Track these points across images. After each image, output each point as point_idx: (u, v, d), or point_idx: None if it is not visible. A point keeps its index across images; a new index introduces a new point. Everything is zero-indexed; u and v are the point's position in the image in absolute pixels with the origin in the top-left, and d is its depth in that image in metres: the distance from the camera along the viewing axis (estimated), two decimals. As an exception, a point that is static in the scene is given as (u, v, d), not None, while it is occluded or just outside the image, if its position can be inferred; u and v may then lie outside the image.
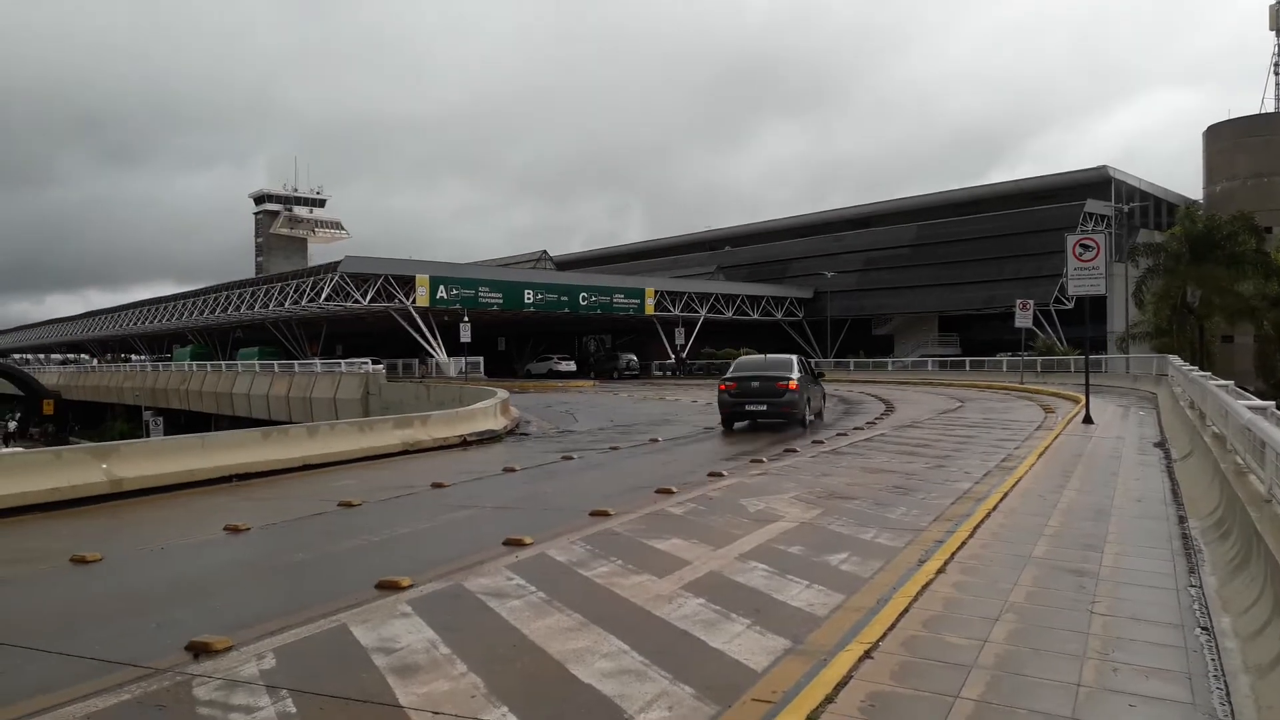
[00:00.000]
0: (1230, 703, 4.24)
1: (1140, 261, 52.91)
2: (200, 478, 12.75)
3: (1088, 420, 19.47)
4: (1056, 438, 16.69)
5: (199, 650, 5.31)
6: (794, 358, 21.37)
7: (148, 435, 53.04)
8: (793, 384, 19.54)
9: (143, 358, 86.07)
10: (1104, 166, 61.88)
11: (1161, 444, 15.59)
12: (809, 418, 20.46)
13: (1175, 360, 26.50)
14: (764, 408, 19.80)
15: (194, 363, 63.12)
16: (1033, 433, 18.31)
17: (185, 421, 54.89)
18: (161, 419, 60.95)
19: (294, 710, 4.44)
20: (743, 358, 24.52)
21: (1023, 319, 38.24)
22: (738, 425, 20.58)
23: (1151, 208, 65.82)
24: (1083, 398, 21.83)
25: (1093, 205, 59.15)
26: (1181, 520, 8.82)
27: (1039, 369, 44.71)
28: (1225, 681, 4.50)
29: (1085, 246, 19.68)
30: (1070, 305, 51.88)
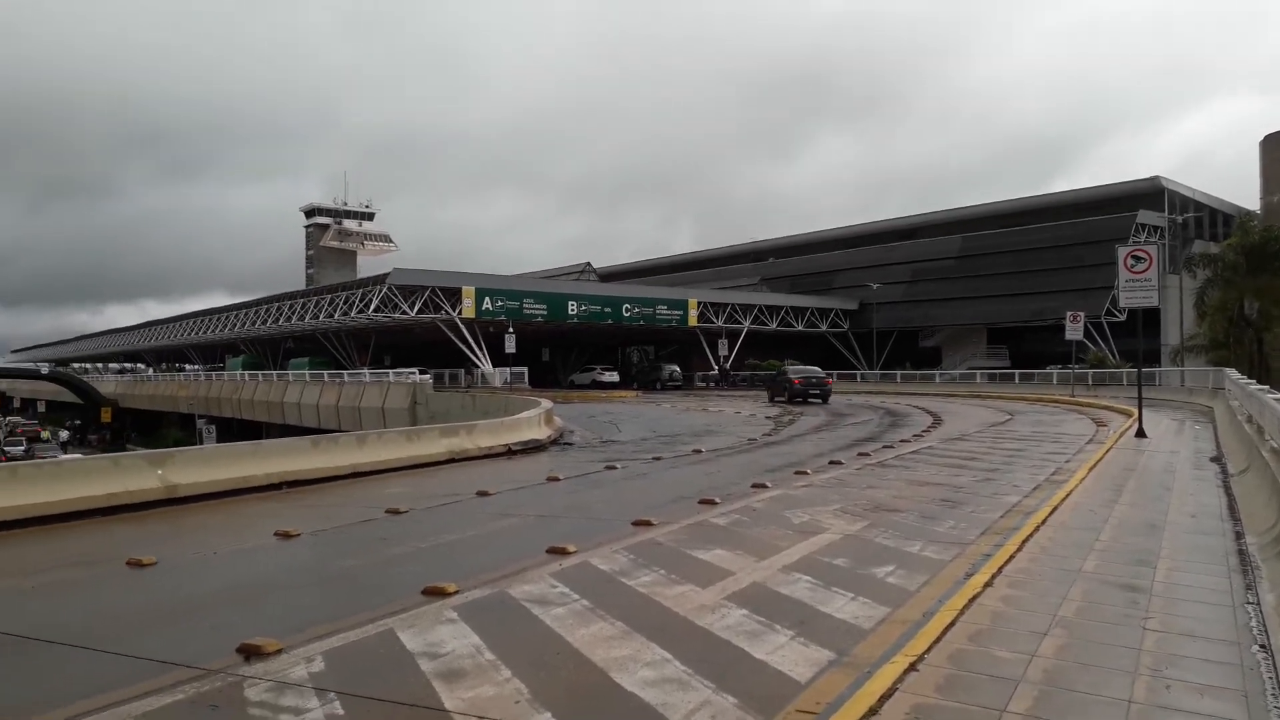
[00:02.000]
0: (1288, 722, 4.14)
1: (1198, 273, 51.81)
2: (252, 484, 12.98)
3: (1141, 434, 19.08)
4: (1108, 452, 16.38)
5: (250, 652, 5.42)
6: (816, 369, 42.85)
7: (201, 443, 54.14)
8: (830, 380, 40.26)
9: (196, 367, 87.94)
10: (1157, 177, 60.72)
11: (1218, 459, 15.23)
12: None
13: (1232, 373, 25.85)
14: (816, 392, 38.50)
15: (246, 372, 64.30)
16: (1083, 446, 17.99)
17: (237, 429, 55.98)
18: (214, 427, 62.18)
19: (341, 712, 4.52)
20: (794, 366, 42.82)
21: (1073, 331, 37.56)
22: (797, 401, 37.58)
23: (1206, 218, 64.40)
24: (1135, 411, 21.41)
25: (1145, 216, 58.06)
26: (1239, 536, 8.61)
27: (1090, 382, 43.92)
28: (1283, 700, 4.39)
29: (1137, 258, 19.33)
30: (1122, 318, 50.90)
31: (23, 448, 61.78)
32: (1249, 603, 6.25)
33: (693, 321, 61.21)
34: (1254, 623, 5.77)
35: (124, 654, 5.62)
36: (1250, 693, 4.56)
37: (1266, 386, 16.90)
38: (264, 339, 70.65)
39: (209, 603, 7.07)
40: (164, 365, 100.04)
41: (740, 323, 63.76)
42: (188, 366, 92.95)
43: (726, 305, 63.67)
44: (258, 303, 68.11)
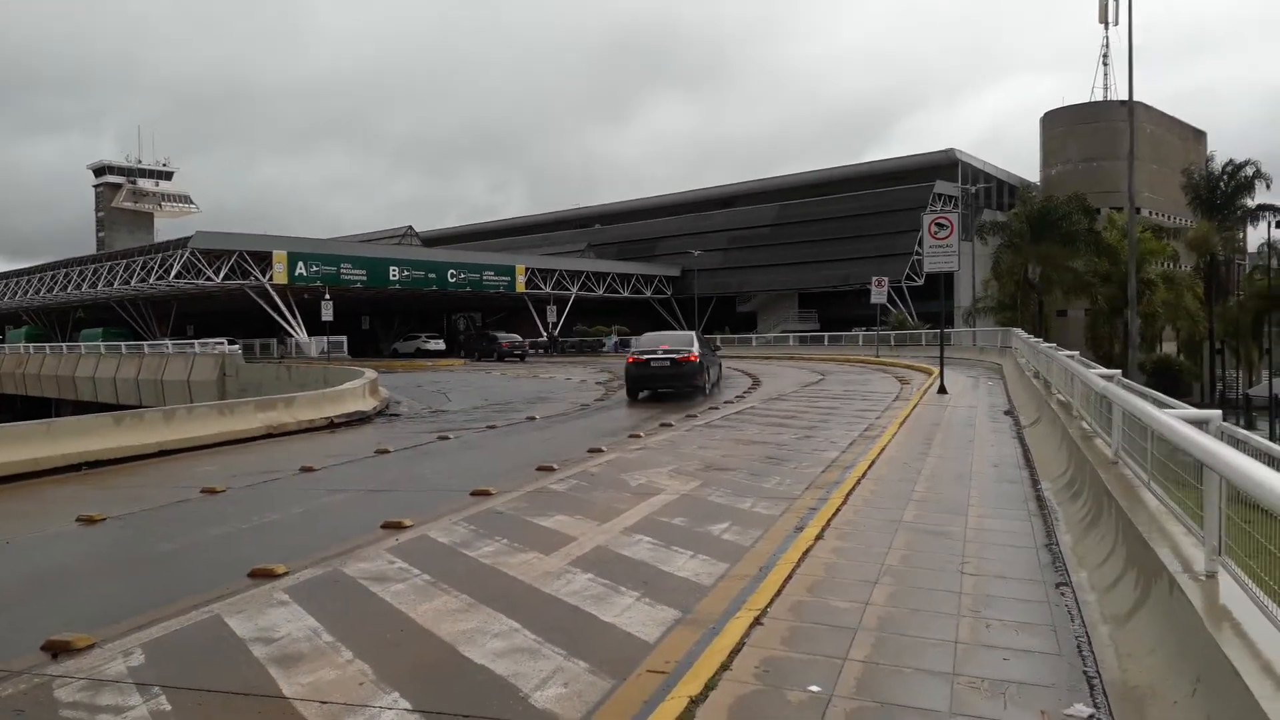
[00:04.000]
0: (1093, 651, 4.54)
1: (990, 240, 55.81)
2: (46, 466, 11.94)
3: (942, 390, 20.43)
4: (915, 408, 17.46)
5: (58, 649, 4.99)
6: (693, 334, 24.64)
7: (-24, 424, 49.24)
8: (692, 356, 21.32)
9: (-32, 340, 79.71)
10: (951, 149, 64.82)
11: (1011, 412, 16.51)
12: (709, 386, 22.56)
13: (1020, 333, 28.03)
14: (669, 377, 21.38)
15: (30, 344, 58.84)
16: (891, 404, 19.09)
17: (22, 407, 51.07)
18: (-7, 406, 56.67)
19: (169, 708, 4.23)
20: (646, 334, 25.65)
21: (878, 295, 39.75)
22: (642, 394, 21.94)
23: (995, 189, 69.35)
24: (935, 370, 22.88)
25: (941, 186, 61.96)
26: (1035, 483, 9.37)
27: (893, 343, 46.56)
28: (1087, 632, 4.81)
29: (940, 225, 20.55)
30: (920, 282, 54.25)
31: None
32: (1049, 544, 6.83)
33: (520, 288, 60.69)
34: (1055, 562, 6.30)
35: (-95, 661, 5.04)
36: (1058, 626, 4.98)
37: (1054, 344, 18.40)
38: (51, 308, 64.89)
39: (6, 597, 6.45)
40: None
41: (568, 289, 63.74)
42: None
43: (554, 272, 63.45)
44: (42, 268, 62.44)
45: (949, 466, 10.56)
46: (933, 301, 28.87)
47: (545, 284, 62.33)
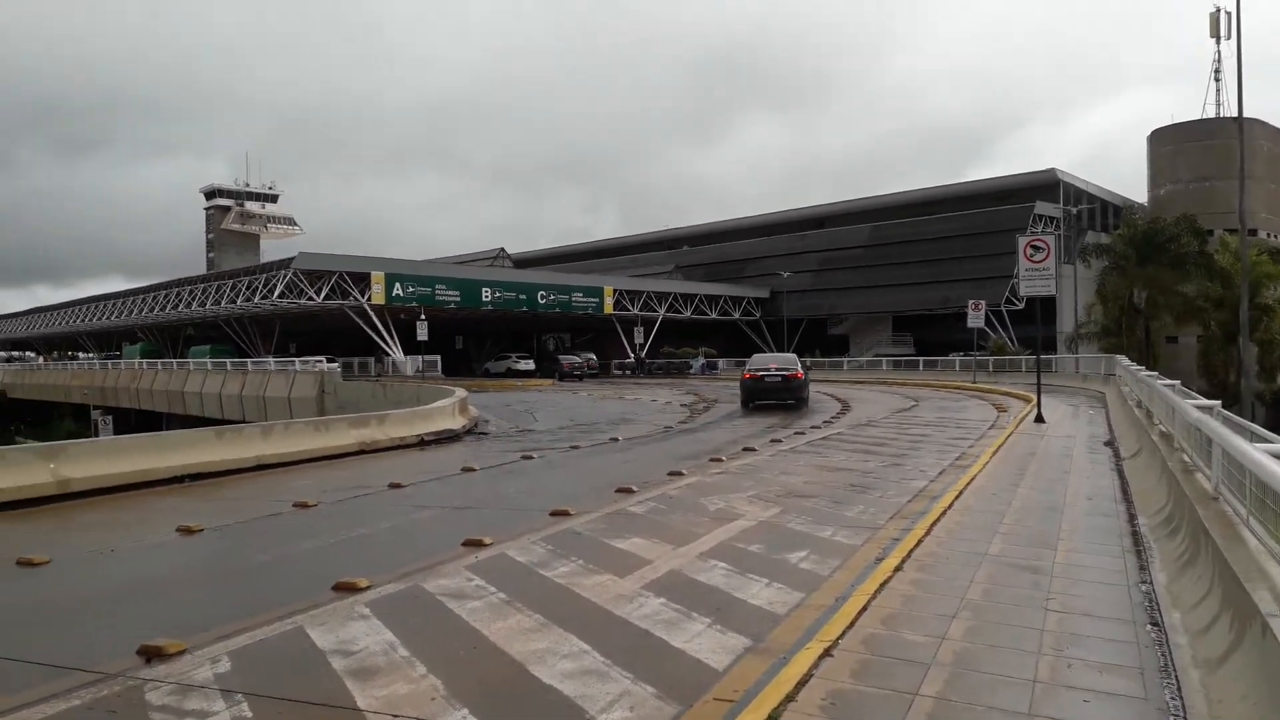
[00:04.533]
0: (1181, 697, 4.33)
1: (1092, 262, 54.00)
2: (152, 478, 12.49)
3: (1039, 419, 19.81)
4: (1009, 436, 16.96)
5: (151, 654, 5.21)
6: (795, 355, 31.28)
7: (96, 435, 51.92)
8: (799, 374, 26.40)
9: (90, 355, 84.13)
10: (1053, 169, 62.99)
11: (1111, 443, 15.91)
12: (807, 399, 27.20)
13: (1123, 360, 27.04)
14: (779, 390, 26.14)
15: (144, 361, 61.84)
16: (985, 432, 18.59)
17: (135, 421, 53.76)
18: (111, 418, 59.63)
19: (250, 714, 4.38)
20: (755, 355, 31.74)
21: (975, 319, 38.82)
22: (755, 404, 26.21)
23: (1099, 210, 67.13)
24: (1034, 397, 22.20)
25: (1042, 207, 60.23)
26: (1131, 518, 9.00)
27: (991, 369, 45.41)
28: (1176, 676, 4.60)
29: (1036, 248, 20.01)
30: (1021, 305, 52.74)
31: None
32: (1143, 582, 6.54)
33: (608, 309, 61.24)
34: (1147, 602, 6.04)
35: (14, 659, 5.35)
36: (1146, 669, 4.77)
37: (1155, 372, 17.70)
38: (163, 326, 68.07)
39: (107, 603, 6.78)
40: (55, 353, 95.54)
41: (656, 310, 64.04)
42: (81, 355, 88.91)
43: (642, 293, 63.85)
44: (156, 288, 65.52)
45: (1041, 498, 10.22)
46: (1034, 326, 28.04)
47: (633, 305, 62.76)
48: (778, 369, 26.56)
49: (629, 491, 10.90)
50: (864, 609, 5.79)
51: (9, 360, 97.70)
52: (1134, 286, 50.09)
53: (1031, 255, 19.95)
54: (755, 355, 31.69)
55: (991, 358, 47.73)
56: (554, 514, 9.47)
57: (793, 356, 29.90)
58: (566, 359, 55.44)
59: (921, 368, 51.71)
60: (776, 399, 26.04)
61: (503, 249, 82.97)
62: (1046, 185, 62.40)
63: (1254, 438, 5.62)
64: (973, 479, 11.51)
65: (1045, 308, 47.31)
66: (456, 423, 20.57)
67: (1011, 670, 4.74)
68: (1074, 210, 62.14)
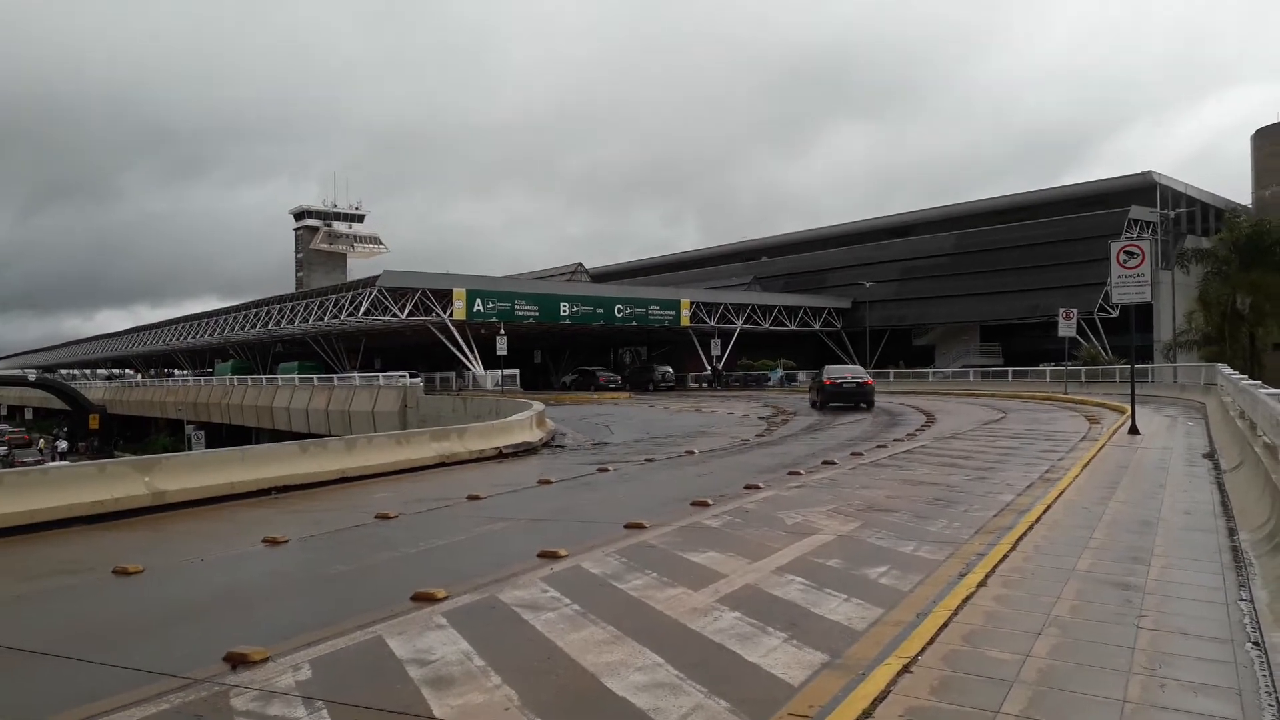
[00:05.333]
0: None
1: (1191, 268, 51.96)
2: (240, 490, 12.90)
3: (1134, 431, 19.09)
4: (1101, 449, 16.38)
5: (237, 661, 5.35)
6: (861, 367, 40.56)
7: (189, 449, 53.89)
8: (870, 381, 33.44)
9: (185, 372, 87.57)
10: (1149, 172, 60.91)
11: (1211, 455, 15.24)
12: (874, 402, 32.94)
13: (1224, 369, 25.90)
14: (854, 394, 32.47)
15: (235, 377, 64.08)
16: (1077, 444, 17.99)
17: (226, 435, 55.76)
18: (203, 432, 61.95)
19: (329, 721, 4.45)
20: (828, 366, 37.41)
21: (1066, 328, 37.58)
22: (832, 405, 32.05)
23: (1198, 213, 64.63)
24: (1128, 408, 21.41)
25: (1137, 212, 58.23)
26: (1231, 533, 8.59)
27: (1083, 379, 44.00)
28: (1277, 698, 4.35)
29: (1130, 253, 19.32)
30: (1115, 314, 51.08)
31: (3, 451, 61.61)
32: (1242, 600, 6.22)
33: (685, 322, 61.21)
34: (1247, 620, 5.74)
35: (109, 664, 5.56)
36: (1244, 690, 4.52)
37: (1258, 381, 16.90)
38: (253, 343, 70.44)
39: (196, 611, 7.00)
40: (152, 371, 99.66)
41: (733, 322, 63.77)
42: (176, 372, 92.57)
43: (719, 305, 63.65)
44: (246, 306, 67.90)
45: (1133, 512, 9.83)
46: (1128, 334, 27.08)
47: (710, 317, 62.59)
48: (854, 377, 33.58)
49: (704, 505, 10.83)
50: (945, 625, 5.63)
51: (109, 377, 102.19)
52: (1237, 292, 48.00)
53: (1125, 261, 19.27)
54: (828, 366, 37.82)
55: (1084, 368, 46.23)
56: (628, 527, 9.46)
57: (860, 368, 38.64)
58: (603, 374, 56.61)
59: (1010, 378, 50.43)
60: (851, 401, 32.28)
61: (580, 264, 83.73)
62: (1142, 188, 60.34)
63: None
64: (1062, 492, 11.14)
65: (1140, 316, 45.67)
66: (534, 436, 20.77)
67: (1100, 689, 4.55)
68: (1172, 214, 59.88)
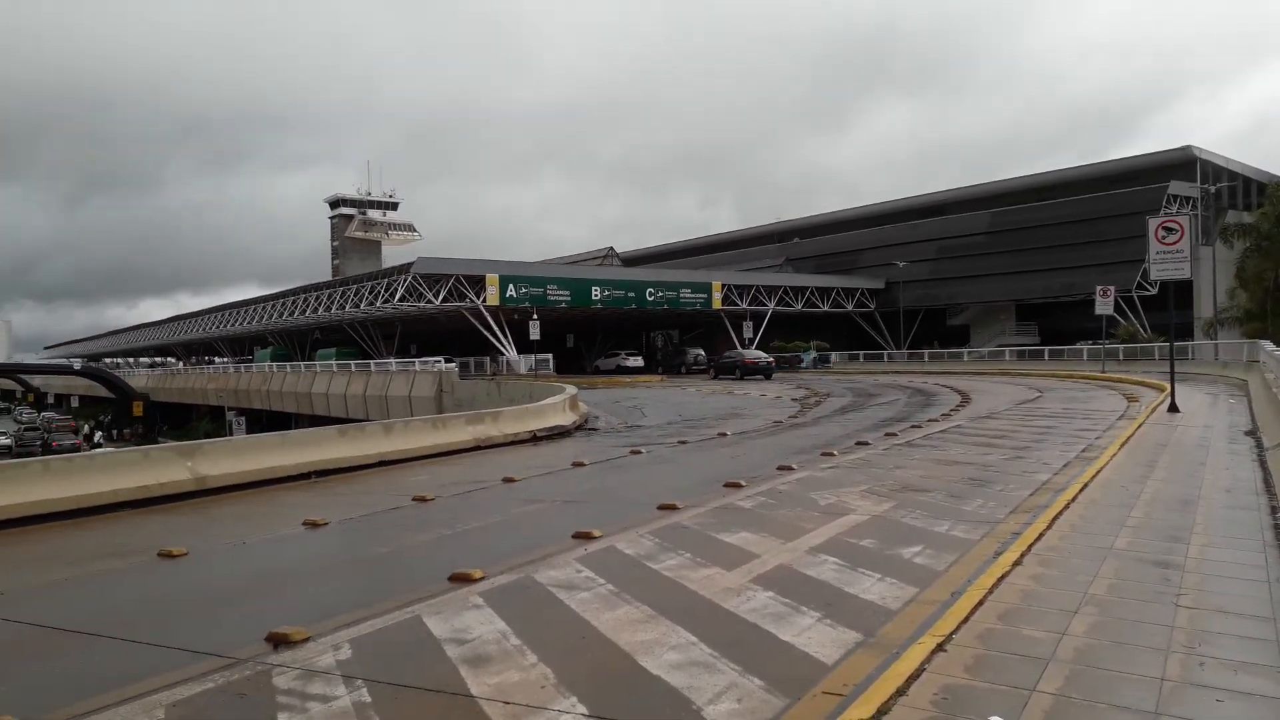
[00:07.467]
0: (1326, 699, 4.05)
1: (1234, 243, 50.91)
2: (280, 474, 13.10)
3: (1173, 409, 18.81)
4: (1140, 427, 16.17)
5: (278, 641, 5.46)
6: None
7: (230, 434, 54.73)
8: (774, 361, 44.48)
9: (225, 359, 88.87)
10: (1188, 146, 59.62)
11: (1253, 432, 14.99)
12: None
13: (1267, 345, 25.43)
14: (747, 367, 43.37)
15: (274, 364, 64.94)
16: (1114, 422, 17.76)
17: (266, 420, 56.55)
18: (244, 418, 62.90)
19: (369, 699, 4.54)
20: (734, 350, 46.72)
21: (1103, 306, 37.06)
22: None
23: (1240, 187, 63.16)
24: (1167, 386, 21.10)
25: (1176, 187, 57.07)
26: (1274, 511, 8.46)
27: (1121, 357, 43.40)
28: (1321, 677, 4.30)
29: (1168, 229, 18.99)
30: (1154, 291, 50.21)
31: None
32: (1285, 578, 6.14)
33: (717, 304, 61.08)
34: (1291, 598, 5.66)
35: (155, 644, 5.69)
36: (1287, 669, 4.48)
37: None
38: (292, 330, 71.27)
39: (238, 592, 7.15)
40: (193, 358, 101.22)
41: (765, 304, 63.52)
42: (217, 359, 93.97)
43: (751, 287, 63.41)
44: (285, 294, 68.69)
45: (1172, 490, 9.71)
46: (1167, 312, 26.68)
47: (742, 300, 62.40)
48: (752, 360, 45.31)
49: (737, 486, 10.85)
50: (980, 604, 5.61)
51: (152, 365, 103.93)
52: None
53: (1163, 237, 18.96)
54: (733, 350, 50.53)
55: (1122, 345, 45.60)
56: (661, 508, 9.50)
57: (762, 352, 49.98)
58: (604, 363, 58.85)
59: (1047, 358, 49.83)
60: (741, 374, 44.09)
61: (611, 248, 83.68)
62: (1182, 164, 59.09)
63: None
64: (1099, 471, 11.02)
65: (1180, 292, 44.94)
66: (567, 419, 20.86)
67: (1137, 668, 4.52)
68: (1212, 189, 58.60)
